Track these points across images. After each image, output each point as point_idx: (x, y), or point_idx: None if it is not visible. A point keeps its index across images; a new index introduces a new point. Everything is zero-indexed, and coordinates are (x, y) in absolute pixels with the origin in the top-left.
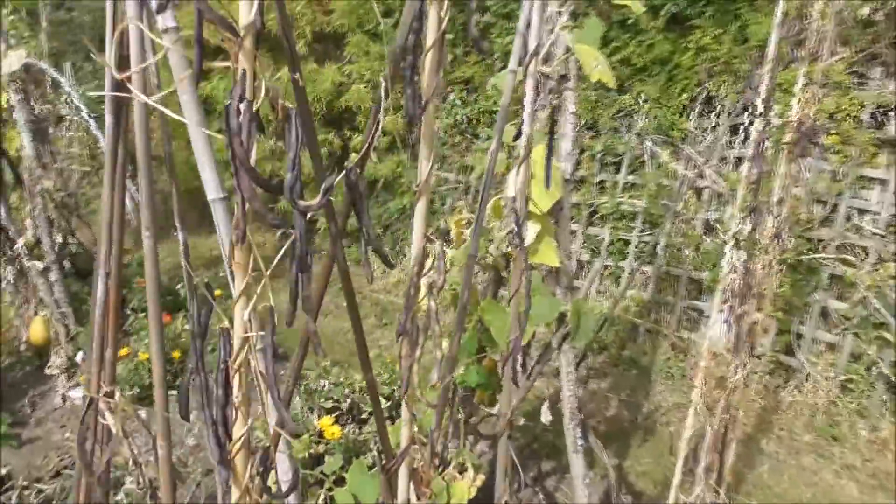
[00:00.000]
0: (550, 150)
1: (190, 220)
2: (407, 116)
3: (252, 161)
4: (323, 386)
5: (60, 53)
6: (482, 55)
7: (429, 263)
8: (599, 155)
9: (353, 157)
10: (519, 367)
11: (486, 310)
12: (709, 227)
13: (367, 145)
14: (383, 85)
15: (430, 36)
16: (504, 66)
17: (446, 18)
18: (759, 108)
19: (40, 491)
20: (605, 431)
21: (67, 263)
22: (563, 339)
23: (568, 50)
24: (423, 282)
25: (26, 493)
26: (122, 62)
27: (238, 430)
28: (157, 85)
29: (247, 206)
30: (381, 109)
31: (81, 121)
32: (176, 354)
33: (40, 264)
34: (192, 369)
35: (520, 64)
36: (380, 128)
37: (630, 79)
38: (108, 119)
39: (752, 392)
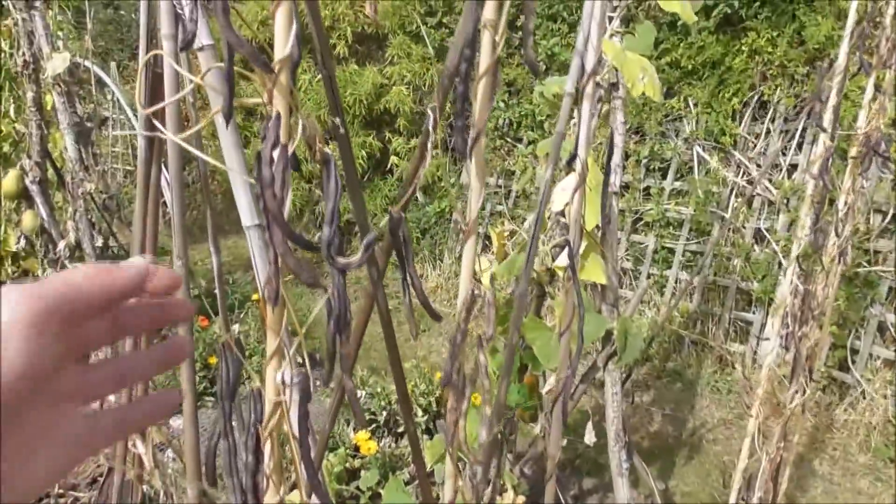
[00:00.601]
0: (608, 174)
1: (233, 217)
2: (456, 151)
3: (286, 211)
4: (359, 397)
5: (107, 52)
6: (536, 76)
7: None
8: (645, 160)
9: (394, 159)
10: (567, 409)
11: (529, 327)
12: (759, 237)
13: (412, 186)
14: (430, 117)
15: (484, 62)
16: (548, 70)
17: (502, 42)
18: (826, 121)
19: (76, 499)
20: (648, 447)
21: None
22: (608, 359)
23: None
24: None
25: (62, 500)
26: (157, 81)
27: (269, 500)
28: (193, 104)
29: (279, 261)
30: (429, 144)
31: (126, 119)
32: (212, 360)
33: None
34: (220, 432)
35: (576, 85)
36: (426, 165)
37: (679, 82)
38: (141, 142)
39: (805, 409)
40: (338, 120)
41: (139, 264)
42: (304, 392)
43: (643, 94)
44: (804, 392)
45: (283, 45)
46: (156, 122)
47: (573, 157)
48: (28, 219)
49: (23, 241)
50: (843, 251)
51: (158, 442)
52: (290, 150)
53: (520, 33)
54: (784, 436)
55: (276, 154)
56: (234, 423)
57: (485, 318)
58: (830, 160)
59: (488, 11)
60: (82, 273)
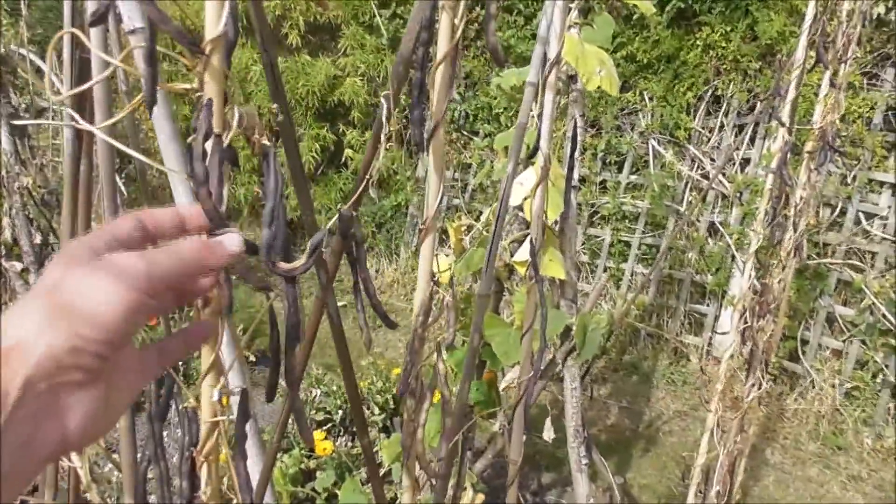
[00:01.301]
0: (571, 169)
1: None
2: (413, 143)
3: (223, 207)
4: (314, 396)
5: (46, 40)
6: (500, 65)
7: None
8: (601, 154)
9: (348, 152)
10: (529, 413)
11: (488, 324)
12: (713, 230)
13: (364, 181)
14: (384, 107)
15: (442, 47)
16: (504, 62)
17: (461, 26)
18: (784, 116)
19: None
20: (605, 440)
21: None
22: (567, 354)
23: None
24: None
25: None
26: (85, 67)
27: None
28: (128, 92)
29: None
30: (383, 136)
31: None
32: None
33: (19, 265)
34: (151, 456)
35: (539, 76)
36: (380, 158)
37: (634, 76)
38: (67, 135)
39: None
40: (278, 107)
41: (236, 244)
42: (242, 412)
43: (599, 87)
44: (760, 386)
45: (215, 23)
46: (71, 112)
47: (535, 150)
48: None
49: None
50: (798, 245)
51: (96, 454)
52: (226, 141)
53: (475, 25)
54: (741, 429)
55: (209, 146)
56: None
57: (444, 321)
58: (788, 155)
59: None
60: (188, 248)
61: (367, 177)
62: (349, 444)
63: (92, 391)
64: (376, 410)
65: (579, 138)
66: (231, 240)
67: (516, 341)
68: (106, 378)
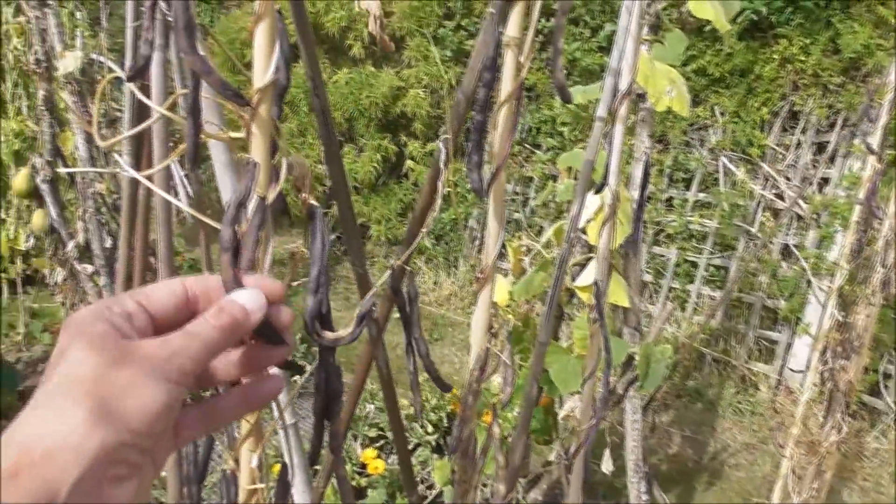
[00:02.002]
0: (642, 206)
1: None
2: (473, 189)
3: (262, 271)
4: (368, 412)
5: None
6: (567, 102)
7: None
8: (668, 170)
9: (409, 163)
10: (589, 460)
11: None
12: (787, 253)
13: (419, 235)
14: (442, 151)
15: (506, 87)
16: (569, 76)
17: (527, 64)
18: (874, 142)
19: None
20: (666, 471)
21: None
22: (629, 384)
23: None
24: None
25: None
26: (146, 94)
27: None
28: None
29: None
30: (440, 183)
31: None
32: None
33: (90, 268)
34: None
35: (610, 109)
36: (436, 209)
37: (705, 90)
38: (127, 160)
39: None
40: (336, 167)
41: (258, 306)
42: (282, 485)
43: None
44: (841, 429)
45: (263, 70)
46: (118, 159)
47: (602, 186)
48: (38, 218)
49: (32, 241)
50: (886, 280)
51: None
52: (270, 198)
53: (539, 36)
54: (818, 473)
55: (252, 204)
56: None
57: (503, 380)
58: (877, 183)
59: (512, 28)
60: (207, 327)
61: (422, 228)
62: None
63: (134, 479)
64: (430, 428)
65: (646, 158)
66: (249, 296)
67: (575, 369)
68: (145, 459)
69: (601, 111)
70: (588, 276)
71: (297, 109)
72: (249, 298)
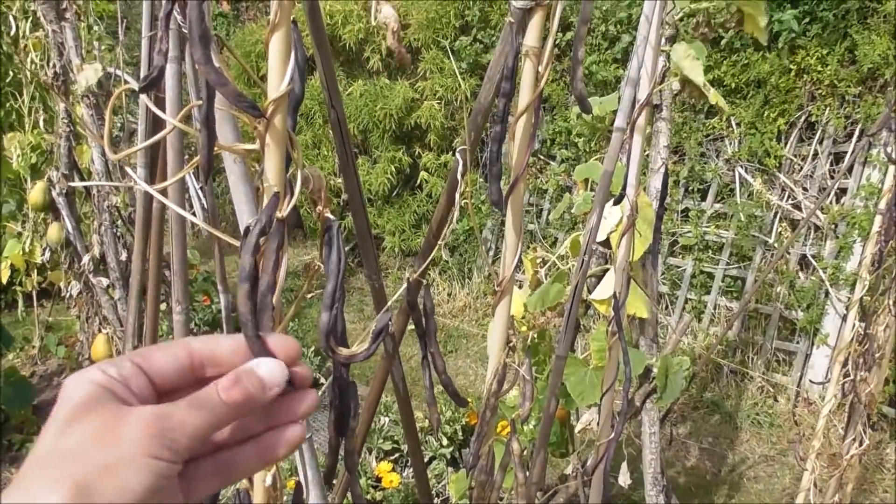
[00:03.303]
0: (660, 216)
1: None
2: (491, 202)
3: (277, 293)
4: (382, 424)
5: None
6: (587, 113)
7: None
8: (684, 181)
9: (424, 175)
10: (608, 475)
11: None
12: (805, 263)
13: (437, 241)
14: (459, 163)
15: (524, 97)
16: (586, 87)
17: (546, 74)
18: (894, 152)
19: None
20: (684, 483)
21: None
22: (647, 396)
23: (663, 78)
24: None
25: None
26: (160, 106)
27: None
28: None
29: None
30: (458, 195)
31: None
32: None
33: (105, 281)
34: None
35: (628, 120)
36: (454, 221)
37: None
38: (141, 173)
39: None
40: (354, 181)
41: (277, 375)
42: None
43: (684, 103)
44: (862, 442)
45: (278, 81)
46: (130, 172)
47: (621, 197)
48: (54, 231)
49: (48, 254)
50: None
51: None
52: (285, 211)
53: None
54: (839, 487)
55: (265, 220)
56: None
57: (520, 395)
58: None
59: (531, 38)
60: (217, 397)
61: (439, 240)
62: None
63: None
64: (445, 441)
65: (663, 169)
66: (269, 368)
67: (593, 382)
68: None
69: (619, 121)
70: (606, 287)
71: (311, 121)
72: (270, 372)
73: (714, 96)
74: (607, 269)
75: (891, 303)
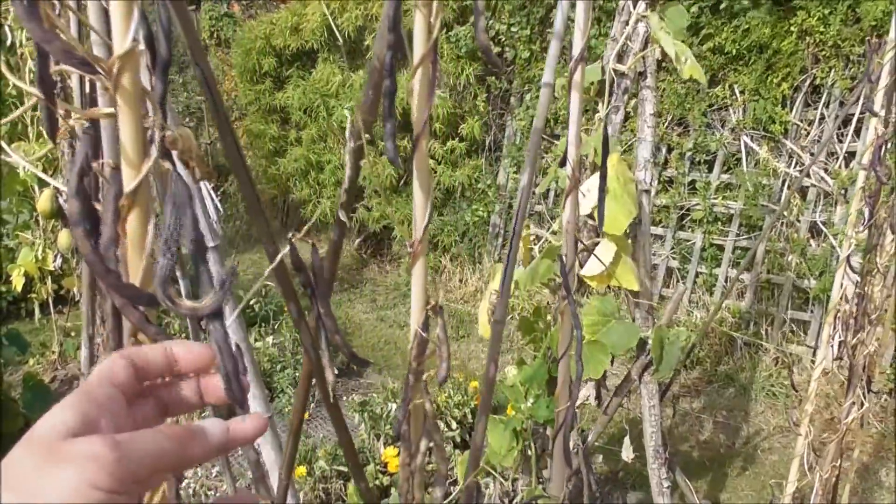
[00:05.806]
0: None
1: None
2: (388, 159)
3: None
4: (389, 411)
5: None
6: (496, 68)
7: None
8: (689, 153)
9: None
10: (570, 445)
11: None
12: (815, 231)
13: (346, 196)
14: (349, 121)
15: (418, 50)
16: (593, 61)
17: (438, 24)
18: (877, 104)
19: None
20: (698, 458)
21: None
22: (643, 370)
23: (646, 45)
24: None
25: None
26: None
27: None
28: None
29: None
30: (350, 151)
31: None
32: None
33: None
34: None
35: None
36: (355, 183)
37: (723, 68)
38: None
39: (869, 416)
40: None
41: (218, 436)
42: None
43: (688, 79)
44: (861, 405)
45: (122, 36)
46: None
47: (564, 160)
48: (63, 237)
49: (60, 260)
50: None
51: None
52: (144, 171)
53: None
54: (840, 453)
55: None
56: None
57: (438, 357)
58: (884, 149)
59: None
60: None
61: (349, 192)
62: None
63: None
64: (453, 425)
65: (649, 139)
66: (214, 429)
67: (594, 355)
68: None
69: (547, 77)
70: (596, 264)
71: (315, 116)
72: (213, 428)
73: (689, 70)
74: (598, 243)
75: (882, 260)
